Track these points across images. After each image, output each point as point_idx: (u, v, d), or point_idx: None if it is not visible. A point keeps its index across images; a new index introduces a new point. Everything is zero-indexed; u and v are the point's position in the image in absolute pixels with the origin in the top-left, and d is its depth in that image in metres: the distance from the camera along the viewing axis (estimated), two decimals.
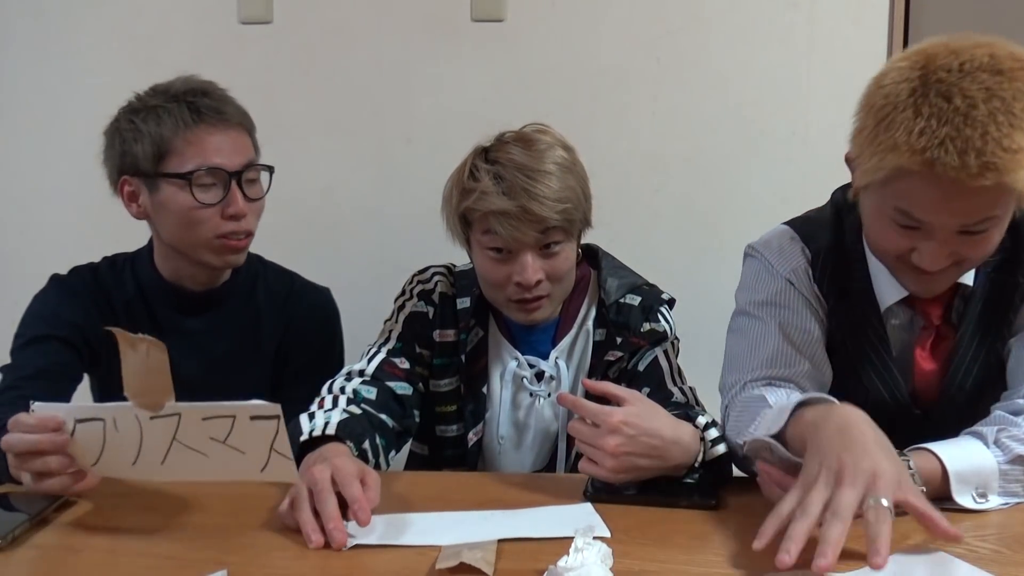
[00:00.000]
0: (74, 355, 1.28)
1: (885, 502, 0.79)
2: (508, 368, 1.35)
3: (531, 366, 1.35)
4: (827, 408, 0.93)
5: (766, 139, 1.95)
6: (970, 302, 1.12)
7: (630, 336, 1.33)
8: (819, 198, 1.27)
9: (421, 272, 1.42)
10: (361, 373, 1.26)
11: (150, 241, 1.36)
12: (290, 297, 1.43)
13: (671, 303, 1.39)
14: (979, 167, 0.91)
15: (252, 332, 1.39)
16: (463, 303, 1.36)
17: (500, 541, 0.90)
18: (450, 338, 1.36)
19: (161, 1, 2.00)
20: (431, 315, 1.35)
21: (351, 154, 2.02)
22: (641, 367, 1.32)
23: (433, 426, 1.39)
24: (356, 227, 2.03)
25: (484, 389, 1.36)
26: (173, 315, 1.34)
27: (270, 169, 1.33)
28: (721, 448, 1.06)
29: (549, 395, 1.35)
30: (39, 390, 1.20)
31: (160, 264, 1.34)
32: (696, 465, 1.04)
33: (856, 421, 0.89)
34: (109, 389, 1.35)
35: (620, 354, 1.33)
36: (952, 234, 0.99)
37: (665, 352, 1.33)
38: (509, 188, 1.20)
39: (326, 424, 1.07)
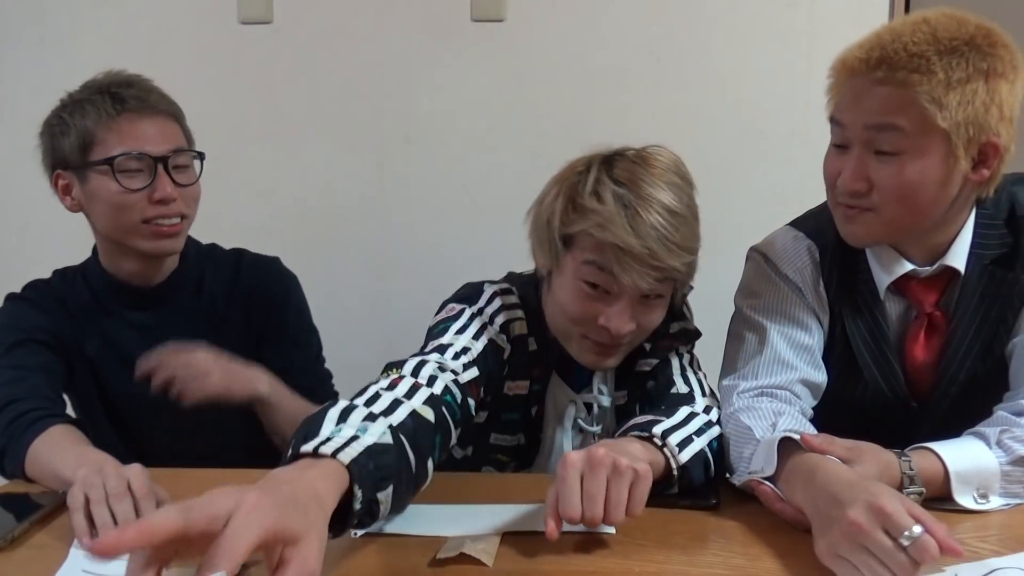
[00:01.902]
0: (57, 357, 1.27)
1: (917, 530, 0.77)
2: (568, 414, 1.22)
3: (585, 404, 1.23)
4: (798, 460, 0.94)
5: (766, 139, 1.95)
6: (965, 292, 1.13)
7: (659, 340, 1.19)
8: (819, 198, 1.27)
9: (504, 293, 1.20)
10: (455, 372, 1.06)
11: (94, 248, 1.36)
12: (240, 272, 1.41)
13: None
14: (877, 59, 1.01)
15: (209, 318, 1.38)
16: (532, 345, 1.19)
17: (505, 534, 0.91)
18: (522, 391, 1.19)
19: (161, 1, 2.00)
20: (506, 355, 1.17)
21: (351, 154, 2.02)
22: (650, 387, 1.21)
23: (481, 462, 1.26)
24: (356, 227, 2.03)
25: (540, 434, 1.24)
26: (127, 312, 1.34)
27: (200, 155, 1.33)
28: (688, 454, 0.99)
29: (602, 429, 1.23)
30: (45, 383, 1.20)
31: (105, 262, 1.34)
32: (674, 475, 0.98)
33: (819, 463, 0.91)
34: (90, 410, 1.35)
35: (655, 361, 1.20)
36: (867, 149, 1.05)
37: (682, 367, 1.20)
38: (637, 223, 1.03)
39: (342, 447, 0.77)
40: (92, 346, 1.33)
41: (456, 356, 1.09)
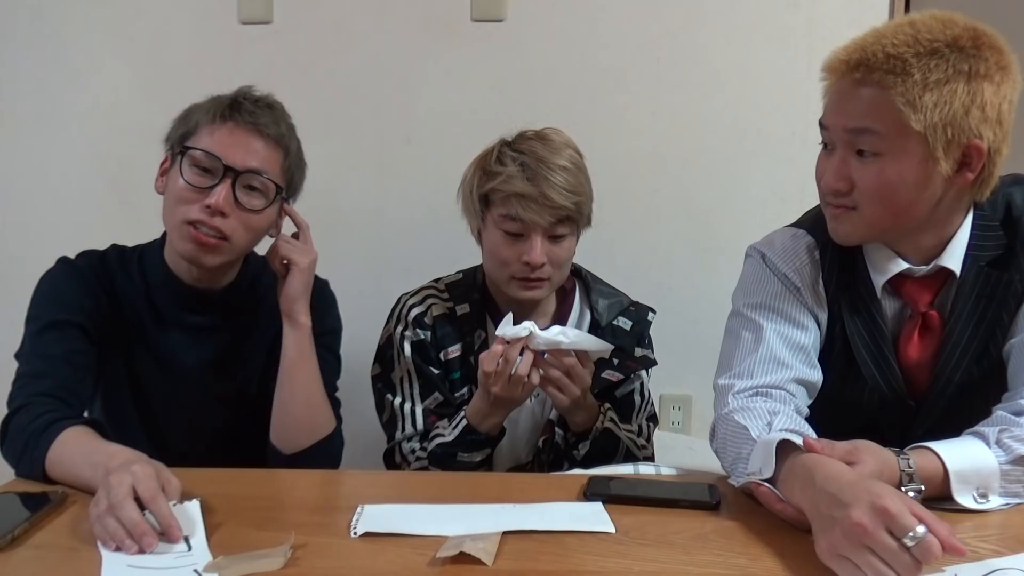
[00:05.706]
0: (90, 343, 1.27)
1: (921, 531, 0.77)
2: None
3: None
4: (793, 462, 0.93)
5: (766, 139, 1.95)
6: (960, 292, 1.13)
7: (625, 358, 1.47)
8: (818, 198, 1.27)
9: (413, 294, 1.49)
10: (418, 434, 1.41)
11: (164, 234, 1.36)
12: None
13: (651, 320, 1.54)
14: (856, 61, 1.03)
15: (252, 323, 1.40)
16: (463, 309, 1.46)
17: (506, 533, 0.90)
18: (457, 353, 1.45)
19: (161, 1, 2.01)
20: (429, 339, 1.45)
21: (351, 154, 2.02)
22: (618, 394, 1.47)
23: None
24: (356, 227, 2.03)
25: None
26: (176, 311, 1.34)
27: (280, 190, 1.30)
28: (607, 423, 1.37)
29: (538, 394, 1.43)
30: (68, 377, 1.20)
31: (167, 252, 1.34)
32: (591, 434, 1.35)
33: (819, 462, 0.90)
34: (117, 399, 1.34)
35: (620, 376, 1.46)
36: (849, 150, 1.07)
37: (642, 384, 1.51)
38: (532, 175, 1.34)
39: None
40: (130, 335, 1.33)
41: (412, 405, 1.43)
